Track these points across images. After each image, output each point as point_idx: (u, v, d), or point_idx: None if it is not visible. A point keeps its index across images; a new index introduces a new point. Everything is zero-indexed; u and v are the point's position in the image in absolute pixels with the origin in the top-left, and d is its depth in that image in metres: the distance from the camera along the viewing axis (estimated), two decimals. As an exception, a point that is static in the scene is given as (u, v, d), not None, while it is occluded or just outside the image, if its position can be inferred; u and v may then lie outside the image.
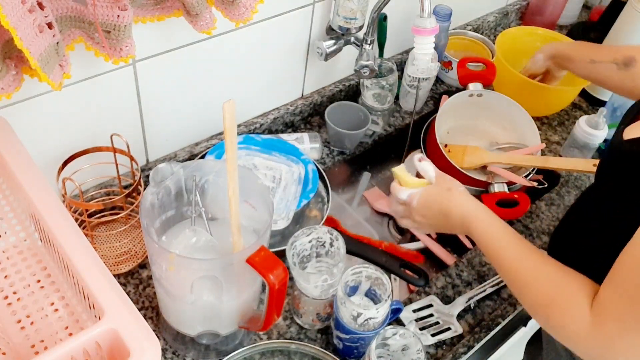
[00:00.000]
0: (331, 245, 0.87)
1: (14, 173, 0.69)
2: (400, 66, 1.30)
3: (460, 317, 0.94)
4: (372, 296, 0.87)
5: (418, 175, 0.89)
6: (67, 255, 0.63)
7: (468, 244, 1.12)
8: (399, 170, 0.88)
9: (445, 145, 1.15)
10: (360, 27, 1.09)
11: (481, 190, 1.06)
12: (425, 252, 1.14)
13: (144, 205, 0.71)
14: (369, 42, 1.09)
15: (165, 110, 0.99)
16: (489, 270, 1.01)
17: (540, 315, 0.71)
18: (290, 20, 1.04)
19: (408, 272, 0.94)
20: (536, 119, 1.17)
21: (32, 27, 0.62)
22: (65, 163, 0.87)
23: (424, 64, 1.00)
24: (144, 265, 0.94)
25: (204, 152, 1.04)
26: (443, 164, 1.05)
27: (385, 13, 1.16)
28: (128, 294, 0.81)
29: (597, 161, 0.89)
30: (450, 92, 1.30)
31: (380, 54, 1.23)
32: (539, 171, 1.13)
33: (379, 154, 1.26)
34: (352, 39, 1.12)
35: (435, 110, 1.29)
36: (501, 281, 0.98)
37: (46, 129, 0.86)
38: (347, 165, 1.22)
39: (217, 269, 0.74)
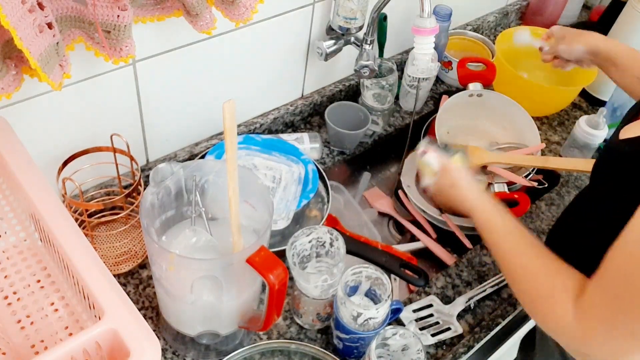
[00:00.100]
0: (331, 245, 0.87)
1: (14, 173, 0.69)
2: (400, 66, 1.30)
3: (460, 317, 0.94)
4: (372, 296, 0.87)
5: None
6: (67, 255, 0.63)
7: (468, 244, 1.12)
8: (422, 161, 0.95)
9: (446, 146, 1.15)
10: (360, 27, 1.09)
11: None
12: (425, 252, 1.14)
13: (144, 205, 0.71)
14: (369, 42, 1.09)
15: (165, 110, 0.99)
16: (489, 270, 1.01)
17: (528, 305, 0.73)
18: (290, 20, 1.04)
19: (408, 272, 0.94)
20: (536, 119, 1.17)
21: (32, 27, 0.62)
22: (65, 163, 0.87)
23: (424, 64, 1.00)
24: (144, 265, 0.94)
25: (204, 152, 1.04)
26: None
27: (385, 13, 1.16)
28: (128, 294, 0.81)
29: (596, 161, 0.89)
30: (450, 92, 1.30)
31: (380, 54, 1.23)
32: (539, 171, 1.13)
33: (379, 154, 1.26)
34: (352, 39, 1.12)
35: (435, 110, 1.29)
36: (501, 281, 0.98)
37: (46, 129, 0.86)
38: (347, 165, 1.22)
39: (217, 269, 0.74)
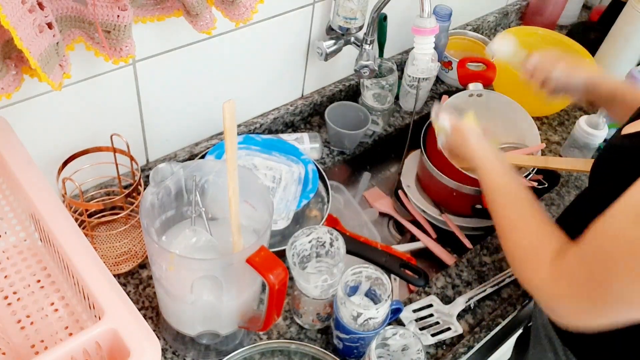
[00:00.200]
0: (331, 245, 0.87)
1: (14, 173, 0.69)
2: (400, 66, 1.30)
3: (460, 317, 0.94)
4: (372, 296, 0.87)
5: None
6: (67, 255, 0.63)
7: (468, 244, 1.12)
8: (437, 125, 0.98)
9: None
10: (360, 27, 1.09)
11: (481, 191, 1.06)
12: (425, 252, 1.14)
13: (144, 205, 0.71)
14: (369, 42, 1.09)
15: (165, 110, 0.99)
16: (489, 270, 1.01)
17: (510, 260, 0.76)
18: (290, 20, 1.04)
19: (408, 272, 0.94)
20: (536, 119, 1.17)
21: (32, 27, 0.62)
22: (65, 163, 0.87)
23: (424, 64, 1.00)
24: (144, 265, 0.94)
25: (204, 152, 1.04)
26: (443, 164, 1.05)
27: (385, 13, 1.16)
28: (128, 294, 0.81)
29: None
30: (450, 92, 1.29)
31: (380, 54, 1.23)
32: (539, 171, 1.12)
33: (379, 154, 1.26)
34: (352, 39, 1.12)
35: (435, 110, 1.29)
36: (501, 281, 0.98)
37: (46, 129, 0.86)
38: (347, 165, 1.22)
39: (217, 269, 0.74)
